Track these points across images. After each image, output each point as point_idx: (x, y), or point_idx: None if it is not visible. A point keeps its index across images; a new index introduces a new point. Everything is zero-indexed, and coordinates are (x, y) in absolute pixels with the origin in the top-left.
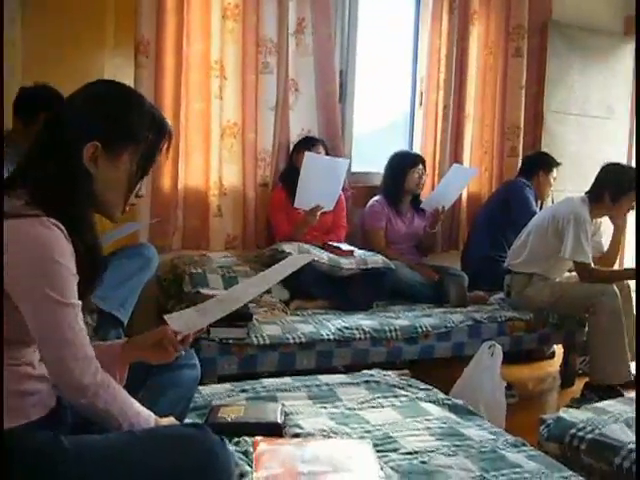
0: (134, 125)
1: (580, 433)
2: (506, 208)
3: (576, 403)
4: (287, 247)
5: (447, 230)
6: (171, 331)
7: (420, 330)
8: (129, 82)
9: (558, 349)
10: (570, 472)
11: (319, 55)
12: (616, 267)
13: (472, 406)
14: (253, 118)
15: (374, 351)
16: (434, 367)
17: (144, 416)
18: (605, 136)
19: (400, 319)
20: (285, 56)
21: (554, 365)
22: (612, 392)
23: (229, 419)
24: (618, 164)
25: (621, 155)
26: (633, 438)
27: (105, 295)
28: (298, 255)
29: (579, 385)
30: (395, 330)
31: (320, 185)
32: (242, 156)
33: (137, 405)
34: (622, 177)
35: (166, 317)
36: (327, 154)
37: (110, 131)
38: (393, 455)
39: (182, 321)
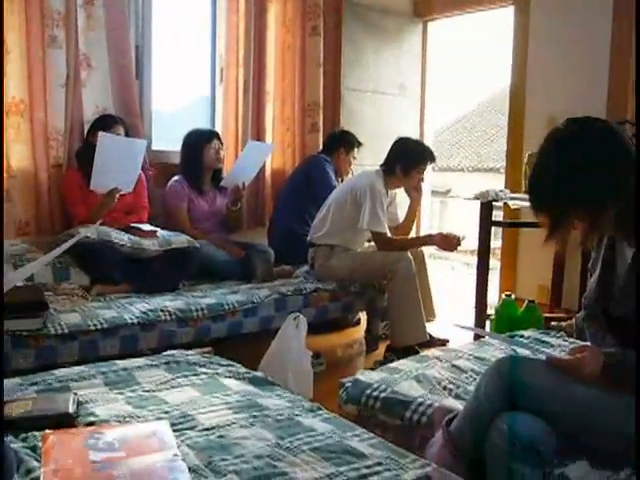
0: None
1: (375, 393)
2: (308, 183)
3: (378, 365)
4: (85, 231)
5: (252, 206)
6: None
7: (227, 307)
8: None
9: (363, 316)
10: (362, 430)
11: (112, 29)
12: (412, 235)
13: (281, 377)
14: (42, 95)
15: (181, 332)
16: (243, 343)
17: None
18: (398, 112)
19: (207, 298)
20: (74, 29)
21: (360, 331)
22: (411, 352)
23: (13, 415)
24: (408, 138)
25: (414, 130)
26: (422, 392)
27: None
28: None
29: (383, 348)
30: (202, 309)
31: (117, 166)
32: (31, 136)
33: None
34: (411, 150)
35: None
36: (127, 134)
37: None
38: (190, 433)
39: None
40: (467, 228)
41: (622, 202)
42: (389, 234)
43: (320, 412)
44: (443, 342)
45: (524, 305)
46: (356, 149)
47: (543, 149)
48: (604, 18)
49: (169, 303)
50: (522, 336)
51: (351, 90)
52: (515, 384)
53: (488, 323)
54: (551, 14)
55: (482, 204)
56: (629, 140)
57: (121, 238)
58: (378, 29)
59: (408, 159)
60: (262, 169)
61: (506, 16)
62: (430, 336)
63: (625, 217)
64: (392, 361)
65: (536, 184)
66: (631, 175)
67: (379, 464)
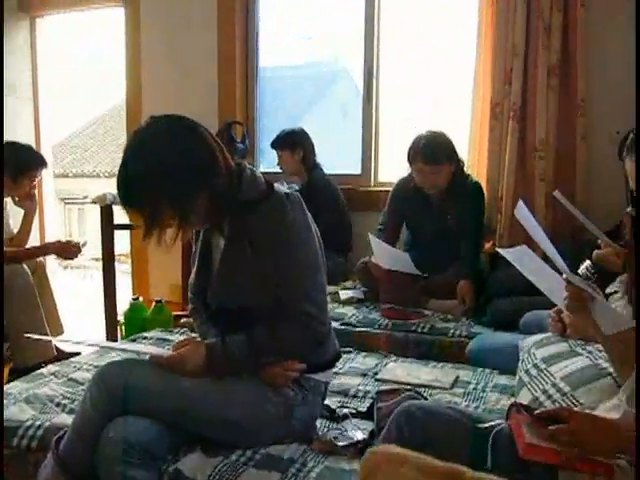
0: None
1: None
2: None
3: None
4: None
5: None
6: None
7: None
8: None
9: None
10: None
11: None
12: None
13: None
14: None
15: None
16: None
17: None
18: (11, 113)
19: None
20: None
21: None
22: None
23: None
24: (15, 143)
25: (29, 133)
26: (32, 414)
27: None
28: None
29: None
30: None
31: None
32: None
33: None
34: (17, 157)
35: None
36: None
37: None
38: None
39: None
40: None
41: (208, 198)
42: (5, 248)
43: None
44: (74, 356)
45: (152, 306)
46: None
47: (127, 146)
48: (210, 32)
49: None
50: (145, 337)
51: None
52: (122, 388)
53: (119, 329)
54: (161, 21)
55: (102, 208)
56: (212, 139)
57: None
58: None
59: (15, 166)
60: None
61: None
62: (59, 351)
63: (211, 212)
64: None
65: (120, 182)
66: (216, 173)
67: None
